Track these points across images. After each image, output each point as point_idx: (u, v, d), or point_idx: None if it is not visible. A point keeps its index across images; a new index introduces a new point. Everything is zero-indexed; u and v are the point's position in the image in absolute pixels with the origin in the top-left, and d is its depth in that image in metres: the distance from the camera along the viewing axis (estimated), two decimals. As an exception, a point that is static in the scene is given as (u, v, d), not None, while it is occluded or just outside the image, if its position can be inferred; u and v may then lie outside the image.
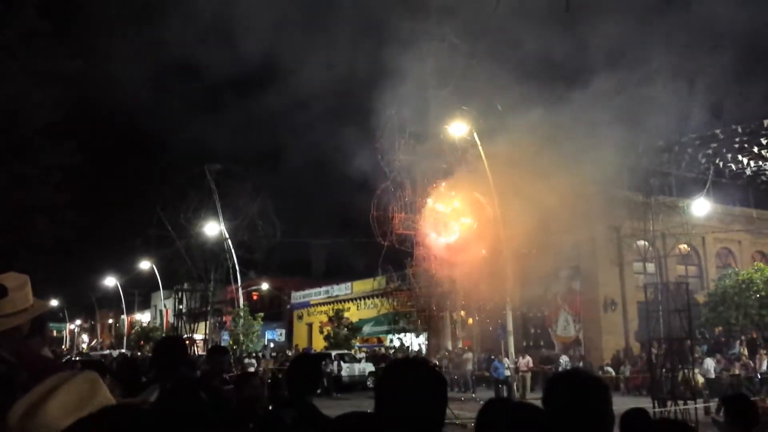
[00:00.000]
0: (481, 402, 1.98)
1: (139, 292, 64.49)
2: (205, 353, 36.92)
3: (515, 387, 23.53)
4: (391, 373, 2.02)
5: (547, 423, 1.92)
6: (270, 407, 4.43)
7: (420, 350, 34.23)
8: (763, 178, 33.89)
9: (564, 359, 27.61)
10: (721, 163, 31.29)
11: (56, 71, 22.24)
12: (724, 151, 29.68)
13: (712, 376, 21.87)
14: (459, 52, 29.33)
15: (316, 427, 3.38)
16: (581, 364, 27.65)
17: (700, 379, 18.80)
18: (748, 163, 31.23)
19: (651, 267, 26.85)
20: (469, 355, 29.15)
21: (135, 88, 79.50)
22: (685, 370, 16.46)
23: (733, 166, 31.79)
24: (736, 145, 28.98)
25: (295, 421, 3.50)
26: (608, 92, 20.61)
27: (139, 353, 36.06)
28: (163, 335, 45.86)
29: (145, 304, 67.17)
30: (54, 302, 60.78)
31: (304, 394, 3.84)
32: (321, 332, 39.88)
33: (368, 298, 43.04)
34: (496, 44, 24.91)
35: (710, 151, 29.84)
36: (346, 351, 32.56)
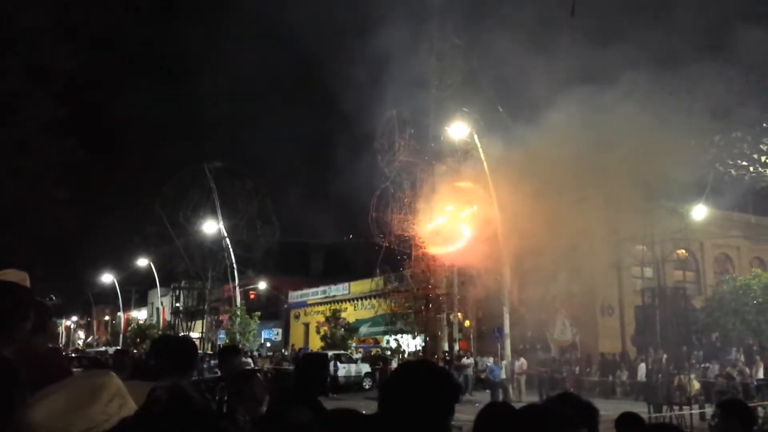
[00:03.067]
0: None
1: (136, 290, 64.41)
2: (204, 352, 36.87)
3: (510, 389, 23.53)
4: (405, 374, 2.00)
5: (547, 426, 1.93)
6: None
7: (417, 351, 34.16)
8: (763, 184, 33.90)
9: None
10: (720, 168, 31.30)
11: (57, 67, 22.21)
12: (724, 156, 29.70)
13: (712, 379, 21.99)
14: (461, 53, 29.39)
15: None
16: (577, 369, 27.69)
17: (696, 385, 18.80)
18: (748, 169, 31.25)
19: (649, 272, 26.82)
20: (470, 360, 28.85)
21: (137, 85, 79.46)
22: (681, 376, 16.47)
23: (733, 172, 31.80)
24: (736, 150, 29.01)
25: (311, 419, 3.49)
26: (613, 94, 20.61)
27: (135, 350, 36.04)
28: (160, 333, 45.84)
29: (141, 302, 67.05)
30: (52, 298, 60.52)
31: (316, 393, 3.86)
32: (318, 332, 39.81)
33: (365, 299, 43.00)
34: (496, 47, 24.90)
35: (710, 156, 29.85)
36: (342, 351, 32.51)
